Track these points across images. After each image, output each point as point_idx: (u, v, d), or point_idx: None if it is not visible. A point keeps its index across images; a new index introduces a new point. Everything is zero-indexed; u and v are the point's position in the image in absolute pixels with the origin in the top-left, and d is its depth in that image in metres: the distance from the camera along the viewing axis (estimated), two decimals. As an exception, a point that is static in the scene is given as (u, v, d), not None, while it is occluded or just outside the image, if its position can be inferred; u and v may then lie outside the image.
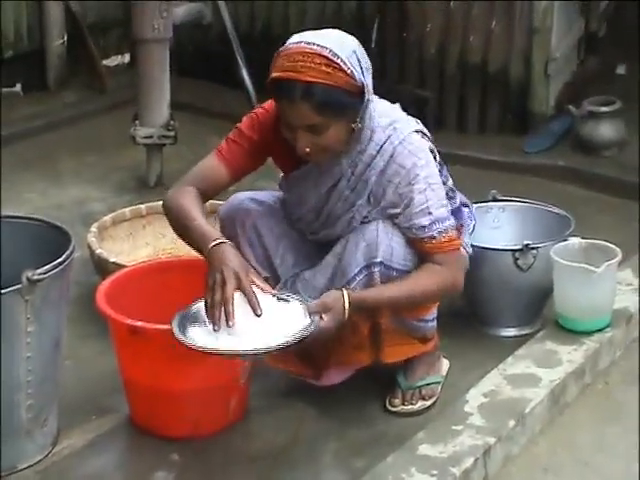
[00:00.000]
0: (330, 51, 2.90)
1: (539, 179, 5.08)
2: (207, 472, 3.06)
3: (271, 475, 3.05)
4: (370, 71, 3.03)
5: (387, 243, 3.08)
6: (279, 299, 2.91)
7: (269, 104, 3.15)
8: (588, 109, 5.24)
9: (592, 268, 3.48)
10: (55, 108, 6.02)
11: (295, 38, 2.98)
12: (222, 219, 3.33)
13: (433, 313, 3.28)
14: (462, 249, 3.28)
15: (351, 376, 3.31)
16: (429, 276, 3.10)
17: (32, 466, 3.06)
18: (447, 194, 3.18)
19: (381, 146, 3.07)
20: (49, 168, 5.32)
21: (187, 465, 3.08)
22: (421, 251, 3.11)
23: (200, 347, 2.77)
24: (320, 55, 2.90)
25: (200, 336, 2.82)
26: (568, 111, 5.32)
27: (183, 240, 3.11)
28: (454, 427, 3.10)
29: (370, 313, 3.12)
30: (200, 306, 2.89)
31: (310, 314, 2.88)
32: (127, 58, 6.64)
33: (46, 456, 3.10)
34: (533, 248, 3.61)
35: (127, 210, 4.17)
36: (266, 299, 2.87)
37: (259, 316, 2.79)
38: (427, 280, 3.10)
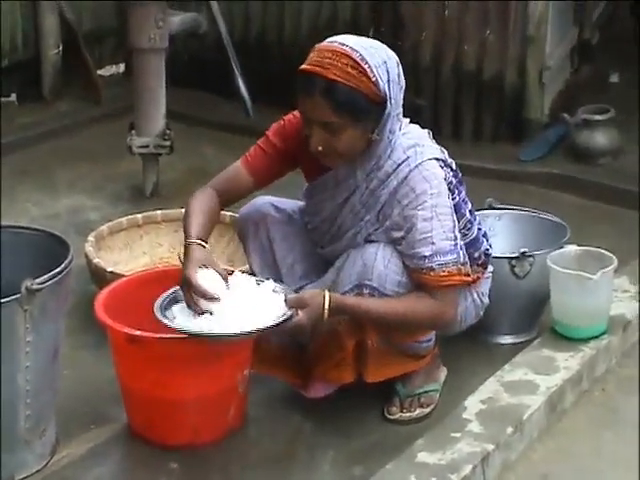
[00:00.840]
0: (359, 55, 2.92)
1: (534, 187, 5.10)
2: (206, 480, 3.07)
3: (270, 483, 3.06)
4: (401, 89, 3.03)
5: (382, 269, 3.08)
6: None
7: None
8: (582, 117, 5.26)
9: (588, 275, 3.49)
10: (50, 118, 6.02)
11: (333, 38, 3.01)
12: (239, 219, 3.38)
13: (429, 335, 3.27)
14: (474, 295, 3.28)
15: (346, 386, 3.28)
16: (417, 302, 3.08)
17: (31, 476, 3.06)
18: (465, 226, 3.18)
19: (398, 165, 3.06)
20: (45, 178, 5.31)
21: (186, 473, 3.08)
22: (418, 282, 3.09)
23: (183, 330, 2.90)
24: (348, 56, 2.92)
25: (181, 319, 2.95)
26: (563, 119, 5.33)
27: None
28: (452, 434, 3.10)
29: (353, 321, 3.10)
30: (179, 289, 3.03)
31: (289, 307, 2.94)
32: (122, 68, 6.64)
33: (45, 466, 3.10)
34: (529, 256, 3.62)
35: (124, 220, 4.18)
36: (253, 288, 3.00)
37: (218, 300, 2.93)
38: (414, 304, 3.08)
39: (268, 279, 3.10)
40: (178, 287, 3.03)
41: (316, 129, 2.99)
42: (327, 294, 2.99)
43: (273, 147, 3.24)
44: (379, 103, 2.96)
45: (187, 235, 3.08)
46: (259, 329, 2.89)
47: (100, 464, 3.14)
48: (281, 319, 2.90)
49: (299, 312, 2.93)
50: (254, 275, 3.26)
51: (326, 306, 2.97)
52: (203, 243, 3.06)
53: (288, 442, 3.24)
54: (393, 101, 2.99)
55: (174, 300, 3.05)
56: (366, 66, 2.92)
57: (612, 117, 5.24)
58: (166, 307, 3.01)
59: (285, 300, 2.96)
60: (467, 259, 3.14)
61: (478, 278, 3.28)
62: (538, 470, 3.14)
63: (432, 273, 3.05)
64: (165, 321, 2.94)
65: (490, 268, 3.40)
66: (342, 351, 3.16)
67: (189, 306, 2.96)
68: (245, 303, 2.94)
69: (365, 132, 3.00)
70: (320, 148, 3.01)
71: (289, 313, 2.93)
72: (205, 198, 3.20)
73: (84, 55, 6.27)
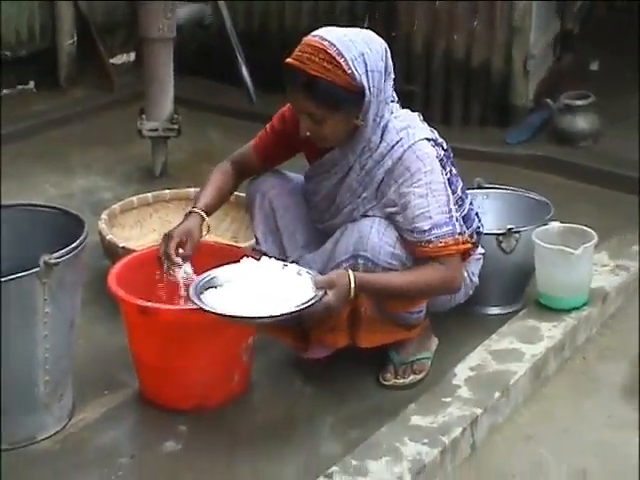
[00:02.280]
0: (336, 49, 2.92)
1: (520, 168, 5.08)
2: (212, 442, 3.06)
3: (272, 445, 3.05)
4: (388, 76, 3.03)
5: (376, 241, 3.07)
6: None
7: None
8: (565, 103, 5.25)
9: (570, 250, 3.49)
10: (66, 104, 6.00)
11: (318, 31, 3.02)
12: (248, 190, 3.40)
13: (420, 307, 3.26)
14: (464, 273, 3.27)
15: (340, 352, 3.29)
16: (428, 271, 3.08)
17: (50, 437, 3.07)
18: (456, 202, 3.17)
19: (392, 146, 3.06)
20: (61, 160, 5.30)
21: (194, 435, 3.09)
22: (419, 255, 3.09)
23: (219, 313, 2.87)
24: (325, 51, 2.93)
25: (214, 303, 2.92)
26: (546, 105, 5.32)
27: None
28: (443, 399, 3.10)
29: (373, 296, 3.10)
30: (213, 274, 3.03)
31: (316, 288, 2.91)
32: (132, 57, 6.62)
33: (63, 428, 3.11)
34: (516, 232, 3.62)
35: (135, 198, 4.16)
36: (281, 271, 2.98)
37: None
38: (426, 274, 3.08)
39: (292, 262, 3.09)
40: (210, 273, 3.04)
41: (303, 117, 3.03)
42: (351, 273, 2.98)
43: (276, 131, 3.28)
44: (357, 92, 2.96)
45: (194, 203, 3.26)
46: (292, 311, 2.86)
47: (114, 427, 3.14)
48: (313, 300, 2.88)
49: (328, 292, 2.92)
50: (260, 247, 3.33)
51: (352, 285, 2.96)
52: (203, 214, 3.21)
53: (289, 407, 3.24)
54: (374, 89, 2.98)
55: (207, 286, 3.01)
56: (342, 60, 2.92)
57: (592, 102, 5.23)
58: (200, 292, 2.97)
59: (313, 281, 2.94)
60: (464, 228, 3.15)
61: (469, 250, 3.27)
62: (523, 432, 3.15)
63: (431, 245, 3.05)
64: (204, 306, 2.90)
65: (481, 250, 3.39)
66: (336, 317, 3.15)
67: (166, 256, 3.08)
68: (274, 286, 2.93)
69: (348, 118, 3.01)
70: (308, 134, 3.05)
71: (320, 294, 2.90)
72: (223, 173, 3.36)
73: (97, 45, 6.26)
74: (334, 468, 2.79)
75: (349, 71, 2.93)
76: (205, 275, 3.05)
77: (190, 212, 3.22)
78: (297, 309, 2.86)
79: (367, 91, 2.96)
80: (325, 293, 2.91)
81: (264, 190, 3.32)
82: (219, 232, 3.95)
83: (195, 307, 2.91)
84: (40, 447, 3.03)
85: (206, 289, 3.00)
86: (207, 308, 2.89)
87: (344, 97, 2.96)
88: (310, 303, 2.87)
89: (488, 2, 5.34)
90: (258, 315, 2.86)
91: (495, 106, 5.51)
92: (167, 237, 3.14)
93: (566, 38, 6.29)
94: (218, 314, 2.88)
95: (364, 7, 5.66)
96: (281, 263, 3.03)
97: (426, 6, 5.45)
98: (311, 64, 2.92)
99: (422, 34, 5.52)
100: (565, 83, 5.69)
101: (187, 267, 3.12)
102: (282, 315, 2.85)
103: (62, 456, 3.00)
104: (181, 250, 3.12)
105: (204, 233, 3.21)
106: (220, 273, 3.05)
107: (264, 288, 2.92)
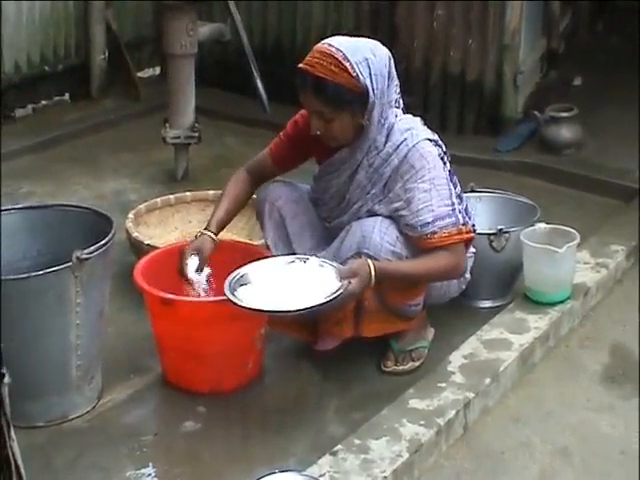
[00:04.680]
0: (342, 54, 2.95)
1: (509, 174, 5.05)
2: (228, 422, 3.06)
3: (282, 425, 3.04)
4: (391, 80, 3.04)
5: (378, 240, 3.06)
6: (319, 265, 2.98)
7: None
8: (550, 115, 5.22)
9: (555, 249, 3.47)
10: (97, 113, 5.98)
11: (328, 39, 3.05)
12: (256, 200, 3.38)
13: (418, 300, 3.24)
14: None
15: (346, 342, 3.27)
16: (436, 259, 3.06)
17: (81, 416, 3.07)
18: (458, 196, 3.16)
19: (398, 146, 3.06)
20: (92, 164, 5.28)
21: (211, 416, 3.08)
22: (426, 247, 3.07)
23: (251, 308, 2.84)
24: (332, 56, 2.95)
25: (246, 298, 2.89)
26: (534, 116, 5.29)
27: None
28: (439, 384, 3.09)
29: (392, 283, 3.07)
30: (242, 272, 2.99)
31: (341, 278, 2.89)
32: (158, 70, 6.60)
33: (93, 408, 3.11)
34: (505, 232, 3.60)
35: (159, 200, 4.15)
36: (305, 265, 2.97)
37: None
38: (435, 261, 3.07)
39: (312, 256, 3.06)
40: (242, 270, 3.01)
41: (313, 116, 3.04)
42: (371, 262, 2.97)
43: (290, 137, 3.28)
44: (361, 93, 2.97)
45: (208, 222, 3.22)
46: (322, 302, 2.82)
47: (139, 407, 3.14)
48: (339, 291, 2.84)
49: (352, 281, 2.90)
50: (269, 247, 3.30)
51: (372, 273, 2.95)
52: (212, 236, 3.17)
53: (298, 391, 3.23)
54: (377, 91, 2.99)
55: (240, 282, 2.97)
56: (347, 64, 2.94)
57: (576, 115, 5.20)
58: (234, 288, 2.94)
59: (337, 272, 2.92)
60: (467, 219, 3.15)
61: (472, 239, 3.24)
62: (511, 414, 3.14)
63: (435, 236, 3.04)
64: (238, 302, 2.86)
65: (472, 249, 3.37)
66: (343, 310, 3.13)
67: (181, 272, 3.09)
68: (302, 279, 2.92)
69: (354, 118, 3.02)
70: (318, 132, 3.05)
71: (345, 283, 2.87)
72: (238, 182, 3.31)
73: (126, 60, 6.25)
74: (339, 446, 2.79)
75: (354, 74, 2.94)
76: (235, 274, 2.99)
77: (201, 233, 3.18)
78: (328, 299, 2.82)
79: (371, 93, 2.97)
80: (349, 282, 2.89)
81: (272, 200, 3.29)
82: (235, 231, 3.93)
83: (233, 304, 2.85)
84: (72, 425, 3.03)
85: (240, 286, 2.95)
86: (244, 305, 2.85)
87: (349, 97, 2.96)
88: (338, 293, 2.84)
89: (481, 23, 5.31)
90: (294, 308, 2.82)
91: (487, 117, 5.49)
92: (181, 256, 3.13)
93: (552, 56, 6.27)
94: (255, 310, 2.84)
95: (368, 26, 5.64)
96: (302, 256, 3.03)
97: (424, 26, 5.44)
98: (319, 67, 2.94)
99: (421, 51, 5.49)
100: (551, 97, 5.67)
101: (201, 277, 3.12)
102: (315, 306, 2.81)
103: (92, 433, 3.00)
104: (194, 265, 3.11)
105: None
106: (249, 270, 3.01)
107: (293, 282, 2.90)
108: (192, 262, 3.10)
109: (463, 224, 3.10)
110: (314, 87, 2.96)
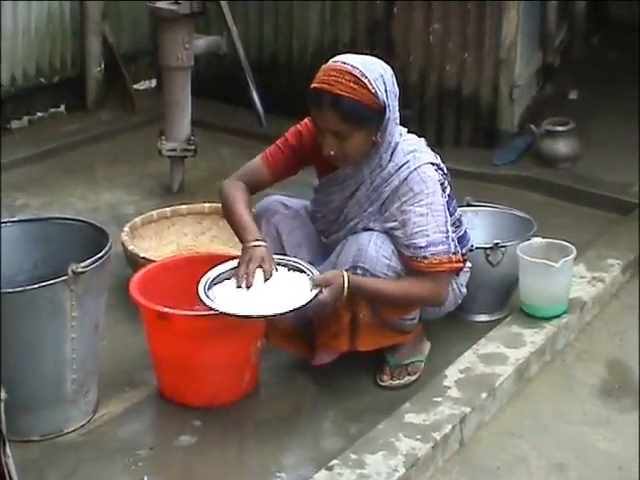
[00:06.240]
0: (360, 71, 2.93)
1: (506, 187, 5.05)
2: (224, 436, 3.05)
3: (278, 439, 3.04)
4: (396, 96, 3.03)
5: (373, 254, 3.06)
6: (294, 269, 3.00)
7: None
8: (546, 128, 5.23)
9: (551, 263, 3.48)
10: (93, 125, 5.97)
11: (337, 58, 3.01)
12: (255, 213, 3.31)
13: (414, 314, 3.24)
14: (454, 285, 3.26)
15: (343, 356, 3.27)
16: (417, 283, 3.08)
17: (76, 430, 3.06)
18: (454, 223, 3.17)
19: (400, 167, 3.06)
20: (88, 176, 5.28)
21: (207, 430, 3.08)
22: (414, 269, 3.08)
23: (221, 310, 2.86)
24: (350, 73, 2.92)
25: (220, 300, 2.90)
26: (530, 130, 5.30)
27: (227, 222, 3.21)
28: (435, 399, 3.09)
29: (349, 299, 3.05)
30: (218, 270, 3.01)
31: (314, 286, 2.90)
32: (154, 83, 6.60)
33: (88, 421, 3.10)
34: (502, 246, 3.60)
35: (154, 212, 4.15)
36: (280, 273, 2.97)
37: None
38: (414, 285, 3.08)
39: (295, 257, 3.09)
40: (217, 269, 3.02)
41: (328, 136, 3.00)
42: (346, 274, 2.97)
43: (290, 147, 3.23)
44: (379, 110, 2.96)
45: (249, 233, 3.04)
46: (291, 309, 2.85)
47: (134, 421, 3.13)
48: (309, 299, 2.86)
49: (324, 290, 2.91)
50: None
51: (346, 285, 2.95)
52: (264, 244, 3.05)
53: (294, 403, 3.23)
54: (391, 107, 2.99)
55: (215, 282, 3.00)
56: (366, 80, 2.92)
57: (571, 128, 5.21)
58: (208, 288, 2.96)
59: (311, 280, 2.93)
60: (458, 249, 3.14)
61: (461, 268, 3.26)
62: (507, 429, 3.14)
63: (426, 261, 3.04)
64: (210, 303, 2.89)
65: (469, 264, 3.38)
66: (339, 323, 3.14)
67: (239, 278, 2.94)
68: (274, 284, 2.93)
69: (369, 136, 3.00)
70: (332, 152, 3.01)
71: (315, 292, 2.89)
72: (243, 193, 3.19)
73: (122, 72, 6.25)
74: (335, 461, 2.78)
75: (373, 90, 2.93)
76: (212, 272, 3.02)
77: (254, 245, 3.01)
78: (294, 307, 2.84)
79: (387, 109, 2.97)
80: (320, 291, 2.89)
81: (268, 216, 3.27)
82: (231, 244, 3.93)
83: (205, 308, 2.89)
84: (67, 439, 3.03)
85: (214, 285, 2.98)
86: (213, 305, 2.88)
87: (369, 114, 2.95)
88: (306, 301, 2.86)
89: (477, 37, 5.33)
90: (260, 314, 2.85)
91: (483, 130, 5.49)
92: (247, 262, 2.97)
93: (548, 70, 6.29)
94: (222, 312, 2.86)
95: (364, 40, 5.65)
96: (280, 258, 3.04)
97: (421, 40, 5.45)
98: (338, 85, 2.91)
99: (417, 65, 5.50)
100: (547, 110, 5.68)
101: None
102: (281, 313, 2.84)
103: (87, 447, 2.99)
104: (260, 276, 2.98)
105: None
106: (225, 269, 3.04)
107: (265, 286, 2.92)
108: (259, 274, 2.97)
109: (454, 253, 3.10)
110: (333, 105, 2.92)
